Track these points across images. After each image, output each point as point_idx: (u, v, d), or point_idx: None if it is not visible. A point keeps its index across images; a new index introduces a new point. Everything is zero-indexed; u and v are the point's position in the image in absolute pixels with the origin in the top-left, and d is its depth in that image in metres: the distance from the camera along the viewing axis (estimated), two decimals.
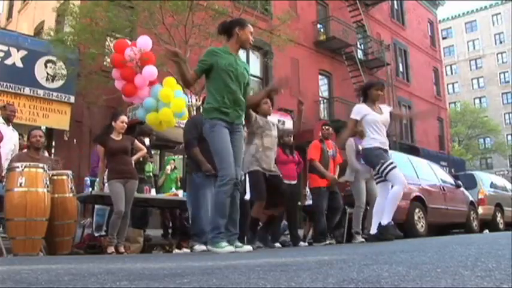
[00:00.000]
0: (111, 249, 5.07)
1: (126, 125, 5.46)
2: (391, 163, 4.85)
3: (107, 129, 5.45)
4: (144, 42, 6.78)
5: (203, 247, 4.36)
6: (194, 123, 5.03)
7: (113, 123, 5.38)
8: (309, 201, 7.87)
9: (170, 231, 7.63)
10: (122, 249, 5.29)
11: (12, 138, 5.60)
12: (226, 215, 3.58)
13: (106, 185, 5.35)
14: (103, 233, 5.55)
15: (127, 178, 5.23)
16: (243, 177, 3.83)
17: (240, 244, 3.69)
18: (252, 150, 4.81)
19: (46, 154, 6.43)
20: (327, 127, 6.56)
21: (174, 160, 8.31)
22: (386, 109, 5.27)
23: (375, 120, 4.98)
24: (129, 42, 7.13)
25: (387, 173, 4.85)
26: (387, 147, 5.08)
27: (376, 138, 4.94)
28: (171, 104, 6.61)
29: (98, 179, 5.63)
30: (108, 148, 5.26)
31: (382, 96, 5.20)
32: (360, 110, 5.08)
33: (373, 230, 4.92)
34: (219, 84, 3.64)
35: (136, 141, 5.66)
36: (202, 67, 3.66)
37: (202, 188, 4.78)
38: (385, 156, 4.90)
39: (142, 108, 6.90)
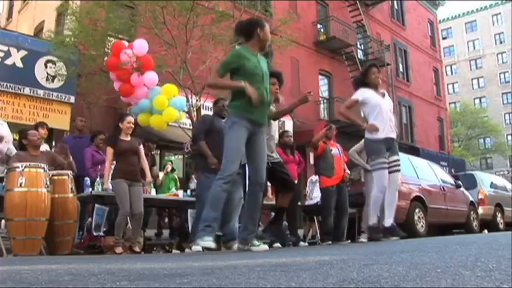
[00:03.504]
0: (119, 249, 5.09)
1: (133, 126, 5.49)
2: (383, 163, 4.71)
3: (115, 130, 5.47)
4: (140, 45, 6.74)
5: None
6: (203, 119, 5.40)
7: (120, 125, 5.41)
8: (309, 201, 7.88)
9: (168, 231, 7.65)
10: (137, 249, 5.34)
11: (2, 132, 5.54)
12: (219, 209, 3.49)
13: (110, 183, 5.36)
14: (101, 233, 5.56)
15: (132, 180, 5.26)
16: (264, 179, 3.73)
17: (257, 243, 3.61)
18: None
19: (47, 147, 6.38)
20: (329, 127, 6.53)
21: (171, 161, 8.38)
22: (387, 94, 5.05)
23: (378, 104, 4.73)
24: (127, 44, 7.12)
25: (374, 171, 4.79)
26: (393, 135, 4.82)
27: (380, 125, 4.69)
28: (163, 112, 6.70)
29: (98, 179, 5.64)
30: (118, 148, 5.29)
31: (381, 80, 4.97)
32: (364, 92, 4.81)
33: (388, 223, 4.87)
34: None
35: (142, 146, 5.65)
36: (227, 69, 3.62)
37: (208, 188, 4.76)
38: (381, 153, 4.71)
39: (137, 107, 6.95)
